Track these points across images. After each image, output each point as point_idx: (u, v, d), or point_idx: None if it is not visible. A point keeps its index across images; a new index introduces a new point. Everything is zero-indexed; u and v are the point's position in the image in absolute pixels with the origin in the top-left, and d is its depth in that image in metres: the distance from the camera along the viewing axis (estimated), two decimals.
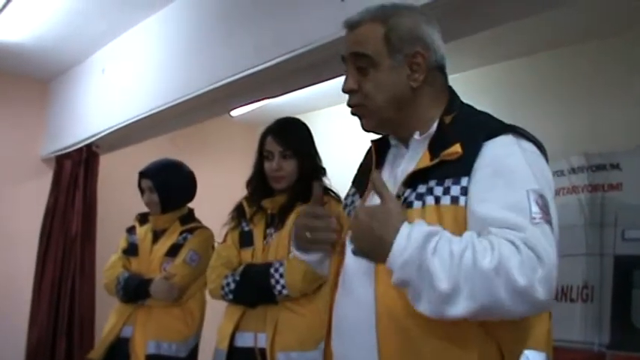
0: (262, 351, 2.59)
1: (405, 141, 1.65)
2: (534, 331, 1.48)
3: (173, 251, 3.38)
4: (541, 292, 1.26)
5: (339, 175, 3.00)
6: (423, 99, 1.61)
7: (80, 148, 4.92)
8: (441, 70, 1.64)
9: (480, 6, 2.57)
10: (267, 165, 2.76)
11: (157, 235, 3.47)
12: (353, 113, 1.68)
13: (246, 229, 2.81)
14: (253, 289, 2.64)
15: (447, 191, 1.46)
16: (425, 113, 1.61)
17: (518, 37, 3.92)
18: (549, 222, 1.36)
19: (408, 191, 1.53)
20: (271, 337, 2.56)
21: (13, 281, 5.05)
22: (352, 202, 1.77)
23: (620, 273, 3.33)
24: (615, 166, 3.51)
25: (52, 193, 5.09)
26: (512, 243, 1.29)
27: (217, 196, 5.48)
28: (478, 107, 1.67)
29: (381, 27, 1.58)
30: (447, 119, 1.59)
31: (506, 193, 1.39)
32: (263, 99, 3.85)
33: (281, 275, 2.57)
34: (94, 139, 4.75)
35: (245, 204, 2.85)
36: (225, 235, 2.90)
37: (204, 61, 3.58)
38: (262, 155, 2.79)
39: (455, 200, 1.44)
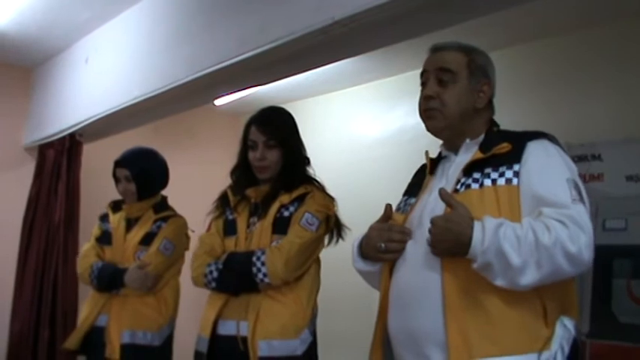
0: (244, 339, 2.58)
1: (456, 149, 2.07)
2: (568, 297, 1.87)
3: (147, 240, 3.38)
4: (586, 254, 1.71)
5: (324, 164, 3.01)
6: (479, 119, 2.05)
7: (63, 137, 4.89)
8: (491, 102, 2.10)
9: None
10: (251, 155, 2.76)
11: (130, 224, 3.46)
12: (426, 115, 2.06)
13: (230, 217, 2.81)
14: (236, 277, 2.65)
15: (502, 175, 1.87)
16: (476, 129, 2.05)
17: (499, 29, 3.93)
18: (583, 202, 1.80)
19: (464, 178, 1.94)
20: (253, 326, 2.56)
21: None
22: (406, 204, 2.15)
23: (600, 263, 3.34)
24: (597, 157, 3.54)
25: (35, 183, 5.06)
26: (561, 221, 1.71)
27: (201, 185, 5.49)
28: None
29: (464, 56, 2.04)
30: (494, 130, 2.06)
31: (551, 180, 1.83)
32: (247, 88, 3.85)
33: (263, 263, 2.57)
34: (77, 127, 4.72)
35: (229, 193, 2.85)
36: (209, 224, 2.90)
37: (187, 50, 3.57)
38: (246, 145, 2.79)
39: (509, 181, 1.86)
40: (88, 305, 3.41)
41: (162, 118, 4.72)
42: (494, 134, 2.03)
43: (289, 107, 2.96)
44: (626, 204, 3.38)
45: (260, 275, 2.58)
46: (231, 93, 4.03)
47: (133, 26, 4.21)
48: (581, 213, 1.75)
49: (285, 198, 2.70)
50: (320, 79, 4.99)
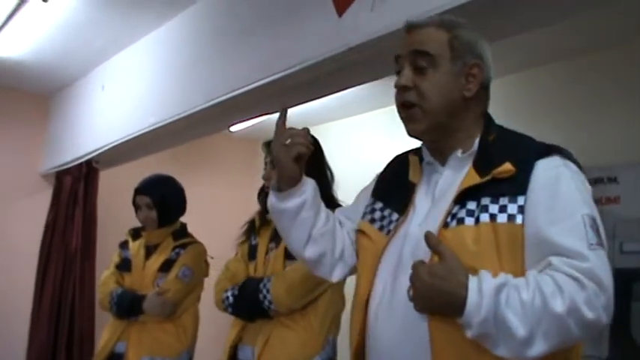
0: None
1: (442, 157, 1.68)
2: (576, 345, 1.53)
3: (166, 267, 3.38)
4: (605, 318, 1.36)
5: (339, 189, 3.01)
6: (470, 113, 1.65)
7: (80, 164, 4.93)
8: (486, 89, 1.70)
9: (479, 21, 2.57)
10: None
11: (149, 251, 3.48)
12: (403, 115, 1.67)
13: (254, 242, 2.83)
14: (247, 303, 2.65)
15: (503, 209, 1.48)
16: (468, 128, 1.65)
17: (514, 53, 3.93)
18: (602, 245, 1.42)
19: (456, 207, 1.54)
20: (259, 352, 2.57)
21: (12, 297, 5.05)
22: (384, 217, 1.75)
23: (618, 286, 3.30)
24: (613, 180, 3.53)
25: (52, 209, 5.09)
26: (576, 279, 1.35)
27: (218, 210, 5.53)
28: None
29: (446, 33, 1.63)
30: (490, 138, 1.63)
31: (564, 218, 1.43)
32: (262, 115, 3.87)
33: (268, 291, 2.58)
34: (93, 154, 4.75)
35: (257, 217, 2.86)
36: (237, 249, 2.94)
37: (202, 78, 3.60)
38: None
39: (512, 218, 1.46)
40: (107, 332, 3.42)
41: (178, 144, 4.76)
42: (490, 145, 1.61)
43: None
44: None
45: (266, 302, 2.58)
46: (246, 120, 4.05)
47: (148, 54, 4.26)
48: (601, 263, 1.39)
49: None
50: (335, 104, 5.00)
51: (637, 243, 3.35)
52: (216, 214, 5.42)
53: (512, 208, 1.47)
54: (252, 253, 2.81)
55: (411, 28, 1.68)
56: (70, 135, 5.10)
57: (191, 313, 3.42)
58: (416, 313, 1.48)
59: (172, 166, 4.12)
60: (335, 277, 1.87)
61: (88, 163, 4.90)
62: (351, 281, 2.58)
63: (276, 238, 2.73)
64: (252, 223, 2.90)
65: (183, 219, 3.62)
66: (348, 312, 2.69)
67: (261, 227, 2.82)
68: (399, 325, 1.54)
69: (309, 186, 1.76)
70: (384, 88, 4.65)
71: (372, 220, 1.76)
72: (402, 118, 1.68)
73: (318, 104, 4.11)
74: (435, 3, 2.27)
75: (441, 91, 1.60)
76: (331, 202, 2.71)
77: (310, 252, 1.80)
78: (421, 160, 1.77)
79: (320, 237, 1.79)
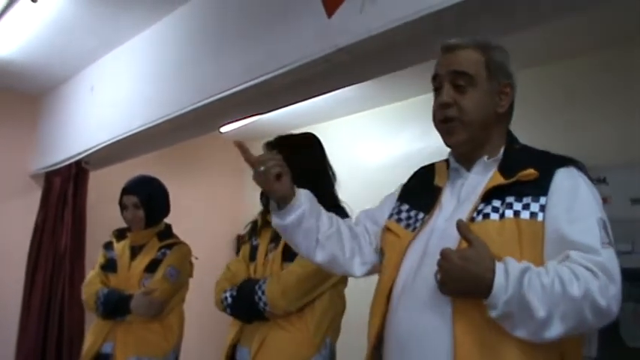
0: None
1: (468, 164, 1.84)
2: (582, 342, 1.74)
3: (152, 267, 3.39)
4: (614, 307, 1.52)
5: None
6: (499, 126, 1.84)
7: (69, 165, 4.91)
8: (512, 105, 1.87)
9: (469, 22, 2.58)
10: None
11: (134, 251, 3.48)
12: (443, 128, 1.83)
13: (255, 243, 2.83)
14: (245, 305, 2.65)
15: (526, 207, 1.66)
16: (495, 140, 1.83)
17: None
18: (611, 244, 1.61)
19: (482, 204, 1.71)
20: (254, 354, 2.56)
21: (1, 298, 5.03)
22: (410, 217, 1.90)
23: None
24: (602, 181, 3.54)
25: (42, 210, 5.08)
26: (590, 270, 1.52)
27: (207, 211, 5.52)
28: None
29: (482, 55, 1.81)
30: (515, 147, 1.83)
31: (581, 220, 1.62)
32: (251, 116, 3.86)
33: (263, 292, 2.57)
34: (83, 155, 4.74)
35: (259, 218, 2.86)
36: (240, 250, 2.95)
37: (192, 78, 3.59)
38: None
39: (534, 215, 1.64)
40: (92, 333, 3.41)
41: (168, 145, 4.75)
42: (515, 153, 1.81)
43: None
44: (632, 227, 3.37)
45: (261, 304, 2.57)
46: (236, 120, 4.04)
47: (138, 55, 4.24)
48: (612, 259, 1.57)
49: None
50: (325, 105, 5.00)
51: (626, 244, 3.36)
52: (204, 215, 5.42)
53: (534, 207, 1.65)
54: (252, 254, 2.80)
55: (448, 48, 1.84)
56: (60, 135, 5.09)
57: (177, 313, 3.44)
58: (439, 298, 1.62)
59: (162, 167, 4.12)
60: (358, 273, 2.01)
61: (78, 163, 4.88)
62: (352, 283, 2.61)
63: (276, 239, 2.71)
64: (254, 223, 2.89)
65: (170, 219, 3.62)
66: (349, 314, 2.73)
67: (262, 228, 2.81)
68: (422, 310, 1.68)
69: (303, 198, 1.90)
70: (373, 89, 4.69)
71: (399, 220, 1.93)
72: (441, 130, 1.84)
73: (307, 105, 4.10)
74: (424, 4, 2.28)
75: (479, 107, 1.77)
76: (334, 202, 2.76)
77: (320, 257, 1.95)
78: (448, 166, 1.93)
79: (327, 240, 1.93)
